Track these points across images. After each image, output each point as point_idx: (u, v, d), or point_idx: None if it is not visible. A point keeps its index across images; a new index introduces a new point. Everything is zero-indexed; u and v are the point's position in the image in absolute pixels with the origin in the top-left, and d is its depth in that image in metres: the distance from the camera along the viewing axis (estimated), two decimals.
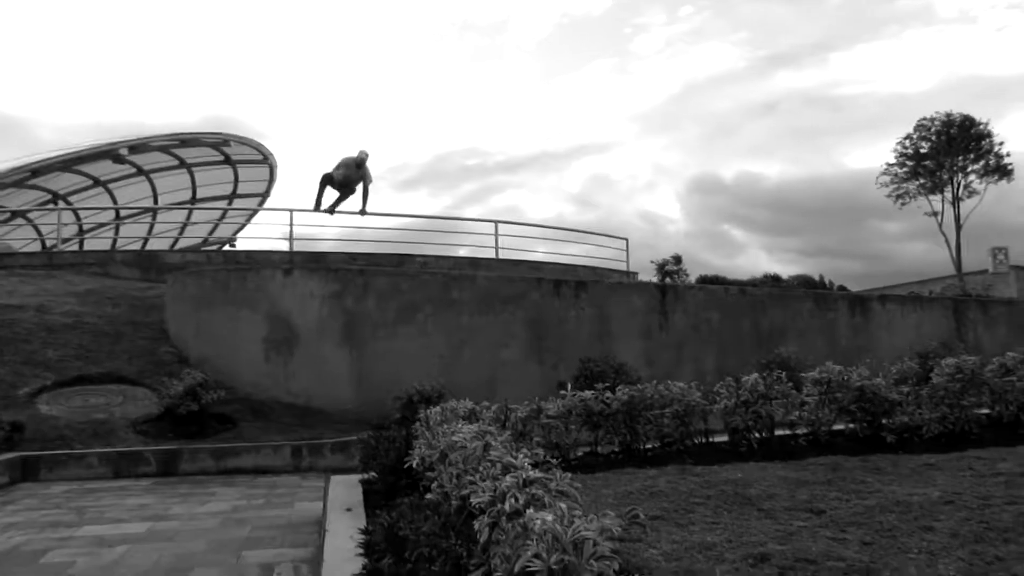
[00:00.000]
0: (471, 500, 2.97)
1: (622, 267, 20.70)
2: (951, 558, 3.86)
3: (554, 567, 2.20)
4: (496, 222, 18.35)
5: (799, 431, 7.23)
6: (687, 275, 27.33)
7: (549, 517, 2.39)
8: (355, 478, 6.39)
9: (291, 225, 16.09)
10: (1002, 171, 29.59)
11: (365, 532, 3.57)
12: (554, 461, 3.59)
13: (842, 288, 29.82)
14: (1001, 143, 29.82)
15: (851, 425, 7.31)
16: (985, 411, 7.49)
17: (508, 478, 3.04)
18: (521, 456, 3.52)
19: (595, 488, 5.47)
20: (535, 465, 3.49)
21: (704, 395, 7.03)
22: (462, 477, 3.61)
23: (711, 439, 7.20)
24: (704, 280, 24.95)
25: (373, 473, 5.93)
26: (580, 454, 6.85)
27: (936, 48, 76.28)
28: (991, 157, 29.58)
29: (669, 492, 5.28)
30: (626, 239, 21.18)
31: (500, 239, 18.35)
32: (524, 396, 7.31)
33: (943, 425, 7.01)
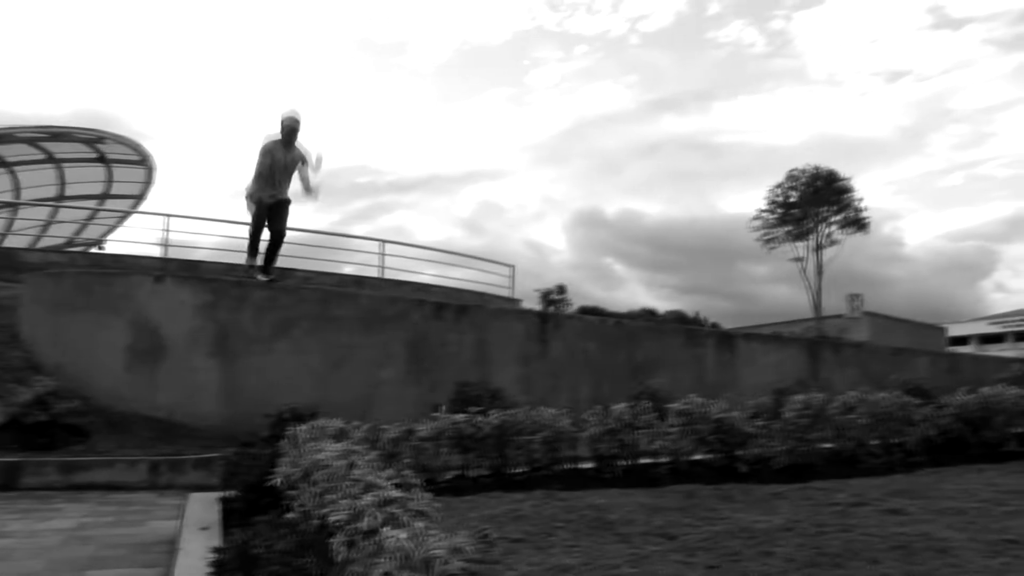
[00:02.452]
0: (330, 518, 2.96)
1: (507, 294, 20.98)
2: None
3: None
4: (382, 241, 18.28)
5: (662, 459, 7.54)
6: (570, 305, 28.06)
7: (403, 535, 2.43)
8: (216, 496, 6.18)
9: (166, 231, 15.43)
10: (859, 224, 32.18)
11: (217, 551, 3.48)
12: (416, 482, 3.62)
13: (715, 325, 31.36)
14: (860, 199, 32.51)
15: (710, 455, 7.69)
16: (829, 445, 8.06)
17: (368, 497, 3.06)
18: (384, 476, 3.54)
19: (461, 510, 5.52)
20: (400, 486, 3.52)
21: (574, 422, 7.23)
22: (324, 496, 3.59)
23: (579, 465, 7.41)
24: (584, 311, 25.66)
25: (235, 491, 5.75)
26: (450, 477, 6.89)
27: (806, 106, 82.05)
28: (851, 211, 32.13)
29: (533, 516, 5.40)
30: (512, 266, 21.53)
31: (387, 259, 18.24)
32: (401, 417, 7.28)
33: (791, 457, 7.50)
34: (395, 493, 3.17)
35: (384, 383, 11.72)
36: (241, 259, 16.30)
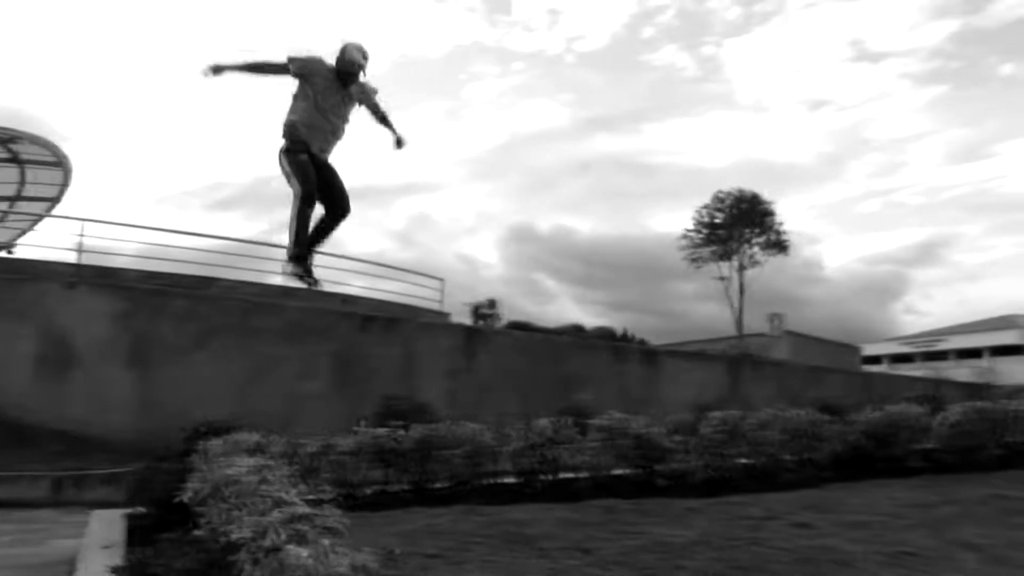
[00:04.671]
0: (232, 535, 2.90)
1: (437, 307, 20.87)
2: None
3: None
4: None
5: (583, 474, 7.61)
6: (501, 319, 28.24)
7: (304, 553, 2.40)
8: (122, 513, 5.96)
9: (82, 235, 14.83)
10: (780, 246, 33.46)
11: (116, 570, 3.35)
12: (329, 498, 3.57)
13: (642, 342, 31.97)
14: (781, 222, 33.78)
15: (630, 470, 7.79)
16: (745, 460, 8.26)
17: (275, 513, 3.01)
18: (296, 492, 3.48)
19: (378, 526, 5.45)
20: (313, 502, 3.46)
21: (497, 437, 7.25)
22: (232, 512, 3.50)
23: (501, 480, 7.41)
24: (513, 325, 25.77)
25: (142, 508, 5.56)
26: (370, 492, 6.80)
27: (734, 130, 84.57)
28: (772, 233, 33.37)
29: (451, 531, 5.38)
30: (442, 279, 21.41)
31: (314, 269, 17.92)
32: (325, 430, 7.17)
33: (708, 472, 7.66)
34: (305, 509, 3.12)
35: (309, 396, 11.53)
36: (164, 266, 15.76)
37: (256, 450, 5.48)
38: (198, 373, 10.84)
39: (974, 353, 54.91)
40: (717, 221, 33.82)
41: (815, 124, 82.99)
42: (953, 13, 79.32)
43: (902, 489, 7.63)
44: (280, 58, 5.69)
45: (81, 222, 15.01)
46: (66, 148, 25.90)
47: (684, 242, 34.49)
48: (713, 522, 6.02)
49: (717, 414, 8.15)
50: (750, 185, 38.83)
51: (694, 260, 34.37)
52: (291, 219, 5.50)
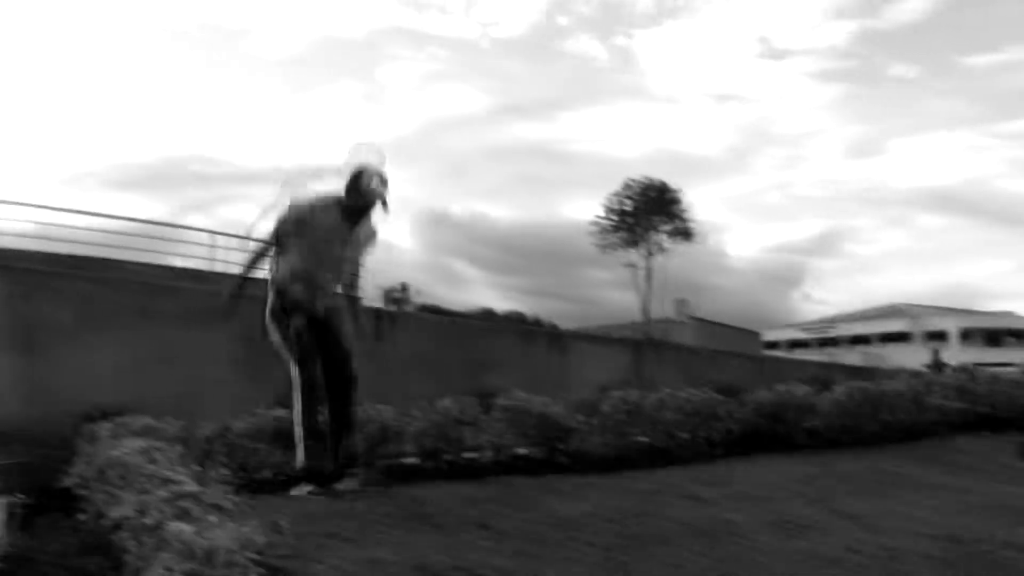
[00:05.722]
0: (113, 514, 2.86)
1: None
2: (585, 563, 4.42)
3: None
4: (214, 233, 17.50)
5: (486, 453, 7.72)
6: (412, 303, 28.17)
7: (186, 528, 2.40)
8: (3, 502, 5.70)
9: None
10: (685, 234, 34.54)
11: None
12: (219, 477, 3.54)
13: (554, 326, 32.48)
14: (688, 210, 34.81)
15: (533, 448, 7.95)
16: (644, 439, 8.54)
17: (161, 492, 2.98)
18: (185, 472, 3.45)
19: (277, 507, 5.41)
20: (202, 482, 3.43)
21: (399, 416, 7.27)
22: (116, 494, 3.44)
23: (404, 460, 7.44)
24: (424, 309, 25.78)
25: (23, 496, 5.34)
26: (270, 475, 6.72)
27: (647, 121, 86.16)
28: (679, 221, 34.37)
29: (350, 511, 5.39)
30: None
31: (222, 252, 17.47)
32: (229, 415, 7.05)
33: (609, 450, 7.90)
34: (192, 487, 3.10)
35: (216, 380, 11.22)
36: (60, 247, 14.94)
37: (147, 433, 5.35)
38: (94, 358, 10.40)
39: (864, 339, 58.05)
40: (627, 208, 34.56)
41: (723, 117, 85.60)
42: (852, 15, 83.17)
43: (788, 463, 8.07)
44: (268, 227, 4.78)
45: None
46: None
47: (594, 229, 35.10)
48: (608, 497, 6.23)
49: (618, 394, 8.39)
50: (662, 175, 39.73)
51: (604, 247, 35.06)
52: (295, 413, 4.26)
